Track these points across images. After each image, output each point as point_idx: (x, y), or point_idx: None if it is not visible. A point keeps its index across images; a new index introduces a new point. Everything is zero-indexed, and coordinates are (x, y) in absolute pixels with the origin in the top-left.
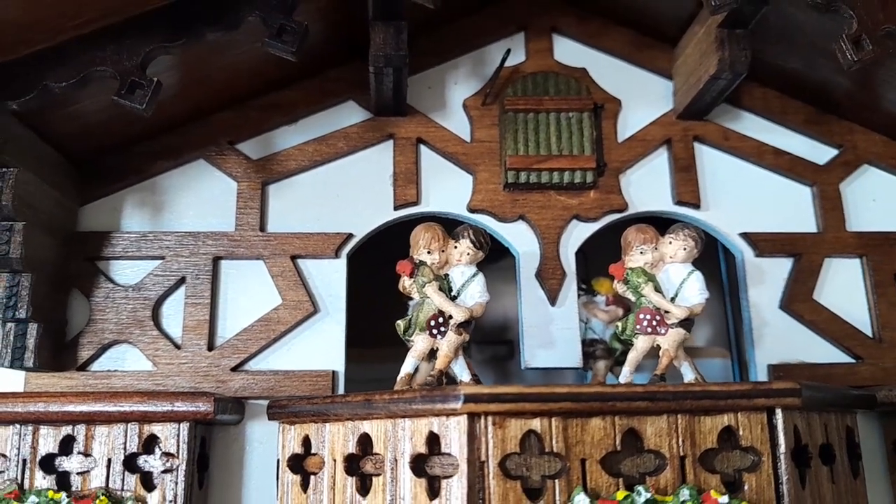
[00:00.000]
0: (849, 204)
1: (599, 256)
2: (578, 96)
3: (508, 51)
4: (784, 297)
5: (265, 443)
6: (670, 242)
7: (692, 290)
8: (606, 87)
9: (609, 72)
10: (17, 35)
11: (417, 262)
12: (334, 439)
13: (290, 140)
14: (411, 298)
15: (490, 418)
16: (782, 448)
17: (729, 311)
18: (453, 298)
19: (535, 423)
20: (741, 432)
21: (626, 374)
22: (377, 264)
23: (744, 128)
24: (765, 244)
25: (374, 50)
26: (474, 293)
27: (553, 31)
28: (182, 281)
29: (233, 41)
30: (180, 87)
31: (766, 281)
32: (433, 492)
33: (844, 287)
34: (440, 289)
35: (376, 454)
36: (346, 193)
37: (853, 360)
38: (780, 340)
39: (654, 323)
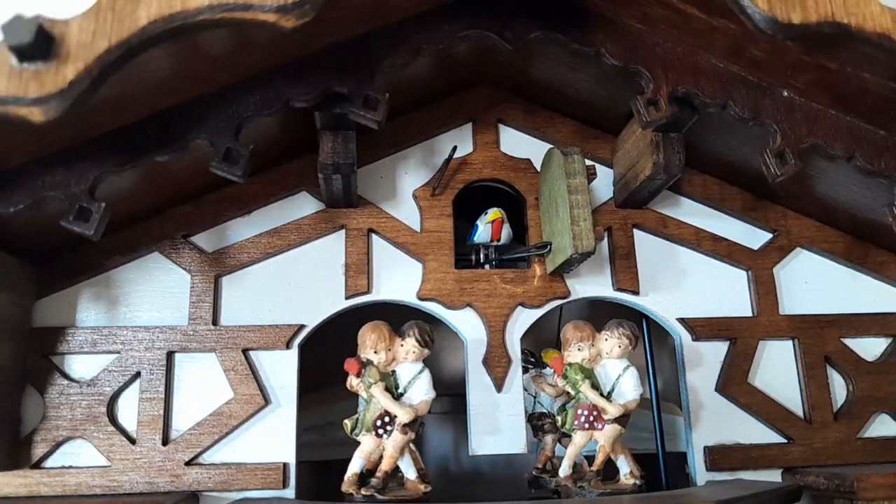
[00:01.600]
0: (782, 287)
1: (550, 327)
2: None
3: (455, 148)
4: (720, 380)
5: None
6: (606, 339)
7: (627, 386)
8: None
9: None
10: None
11: (364, 360)
12: None
13: (244, 232)
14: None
15: None
16: None
17: (652, 392)
18: (400, 395)
19: None
20: None
21: (564, 468)
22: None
23: (683, 213)
24: (701, 329)
25: (322, 157)
26: (420, 391)
27: (500, 122)
28: (137, 376)
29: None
30: (137, 189)
31: (703, 364)
32: None
33: (777, 369)
34: (387, 388)
35: None
36: (298, 284)
37: (785, 441)
38: (716, 422)
39: (592, 418)
